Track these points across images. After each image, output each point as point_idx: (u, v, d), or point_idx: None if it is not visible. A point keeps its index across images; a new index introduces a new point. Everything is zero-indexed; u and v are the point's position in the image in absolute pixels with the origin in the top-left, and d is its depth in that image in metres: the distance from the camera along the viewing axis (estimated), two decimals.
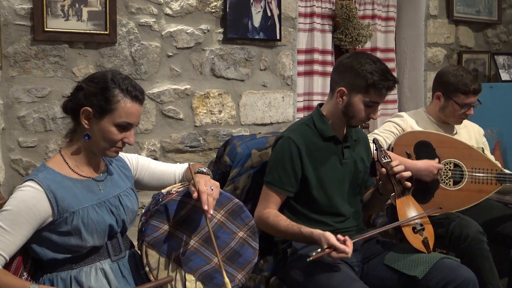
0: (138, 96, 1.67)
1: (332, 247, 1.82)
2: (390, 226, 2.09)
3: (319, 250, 1.84)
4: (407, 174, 2.07)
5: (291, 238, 2.03)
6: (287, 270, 2.08)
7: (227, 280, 1.67)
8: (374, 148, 2.17)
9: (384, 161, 2.09)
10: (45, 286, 1.60)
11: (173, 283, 1.70)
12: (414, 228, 2.04)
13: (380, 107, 3.55)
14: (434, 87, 2.72)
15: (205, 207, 1.65)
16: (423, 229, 2.04)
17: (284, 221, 2.02)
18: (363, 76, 2.00)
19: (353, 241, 1.88)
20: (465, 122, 2.77)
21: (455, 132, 2.70)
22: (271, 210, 2.07)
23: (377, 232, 2.07)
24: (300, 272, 1.99)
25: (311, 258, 1.80)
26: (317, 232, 1.89)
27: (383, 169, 2.08)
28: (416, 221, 2.07)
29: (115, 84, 1.64)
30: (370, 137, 2.57)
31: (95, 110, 1.63)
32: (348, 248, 1.82)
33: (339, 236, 1.85)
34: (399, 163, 2.08)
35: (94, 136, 1.66)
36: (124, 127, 1.65)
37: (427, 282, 1.89)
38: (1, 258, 1.52)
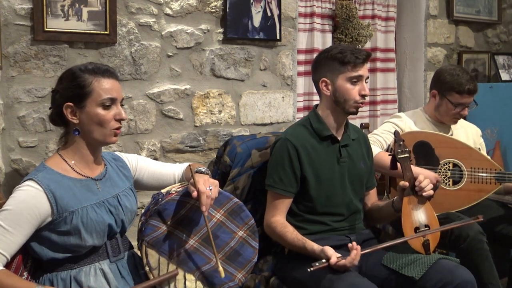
0: (108, 70, 1.70)
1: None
2: (399, 240, 1.99)
3: (323, 260, 1.84)
4: (428, 185, 2.05)
5: (297, 251, 2.02)
6: (286, 269, 2.09)
7: (221, 268, 1.67)
8: (393, 140, 2.13)
9: (401, 156, 2.05)
10: (50, 287, 1.60)
11: (173, 282, 1.71)
12: (417, 228, 2.02)
13: (380, 107, 3.67)
14: (431, 85, 2.74)
15: (203, 209, 1.66)
16: (427, 231, 2.02)
17: (290, 234, 2.02)
18: (334, 58, 2.07)
19: (362, 252, 1.87)
20: (463, 122, 2.77)
21: (450, 133, 2.70)
22: (278, 218, 2.08)
23: (389, 244, 1.97)
24: (298, 270, 1.99)
25: (312, 269, 1.79)
26: (318, 249, 1.91)
27: (399, 165, 2.05)
28: (421, 221, 2.03)
29: (81, 71, 1.67)
30: (371, 137, 2.58)
31: (75, 101, 1.65)
32: (351, 260, 1.83)
33: (354, 243, 1.87)
34: (427, 182, 2.05)
35: (85, 126, 1.66)
36: (108, 105, 1.67)
37: (424, 283, 1.89)
38: (3, 258, 1.53)
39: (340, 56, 2.05)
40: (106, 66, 1.73)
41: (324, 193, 2.10)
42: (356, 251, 1.84)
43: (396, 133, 2.16)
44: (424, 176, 2.07)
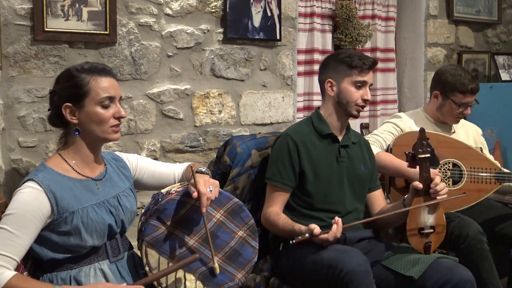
0: (105, 69, 1.70)
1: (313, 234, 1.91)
2: (392, 213, 2.05)
3: (307, 235, 1.91)
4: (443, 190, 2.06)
5: (288, 235, 2.05)
6: (280, 263, 2.11)
7: (216, 265, 1.71)
8: (417, 137, 2.06)
9: (421, 156, 2.02)
10: (67, 286, 1.61)
11: (173, 282, 1.71)
12: (421, 229, 2.02)
13: (380, 107, 3.67)
14: (432, 86, 2.74)
15: (204, 210, 1.66)
16: (432, 233, 2.02)
17: (282, 220, 2.08)
18: (342, 61, 2.16)
19: (344, 226, 1.94)
20: (463, 121, 2.77)
21: (452, 131, 2.71)
22: (273, 209, 2.14)
23: (370, 220, 2.09)
24: (291, 260, 2.03)
25: (294, 241, 1.88)
26: (304, 227, 1.97)
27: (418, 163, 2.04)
28: (428, 222, 2.03)
29: (78, 71, 1.66)
30: (370, 137, 2.58)
31: (73, 101, 1.65)
32: (333, 233, 1.90)
33: (336, 218, 1.94)
34: (443, 186, 2.05)
35: (85, 126, 1.66)
36: (107, 103, 1.66)
37: (424, 282, 1.90)
38: (14, 262, 1.53)
39: (348, 60, 2.14)
40: (102, 65, 1.73)
41: (322, 189, 2.14)
42: (336, 226, 1.91)
43: (421, 130, 2.07)
44: (441, 179, 2.06)
